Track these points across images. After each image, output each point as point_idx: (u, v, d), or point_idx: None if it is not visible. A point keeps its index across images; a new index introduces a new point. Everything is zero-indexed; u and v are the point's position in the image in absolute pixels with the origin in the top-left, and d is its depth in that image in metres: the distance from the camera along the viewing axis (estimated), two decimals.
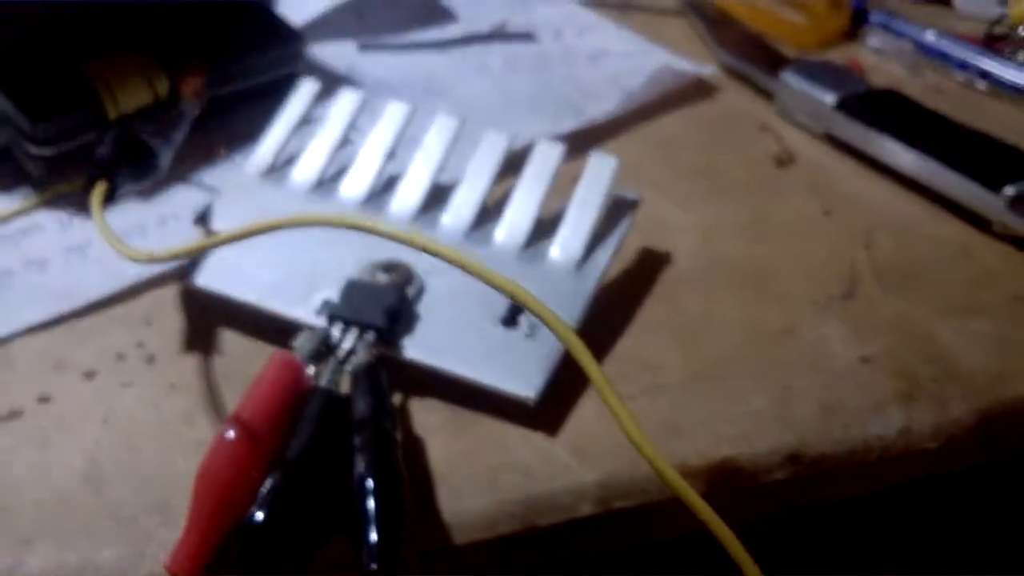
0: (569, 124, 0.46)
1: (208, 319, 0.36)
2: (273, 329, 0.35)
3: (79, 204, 0.41)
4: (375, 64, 0.52)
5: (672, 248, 0.41)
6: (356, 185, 0.39)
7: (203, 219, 0.38)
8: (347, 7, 0.54)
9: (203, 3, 0.46)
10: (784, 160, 0.47)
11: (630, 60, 0.53)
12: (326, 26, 0.53)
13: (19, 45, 0.40)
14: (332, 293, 0.35)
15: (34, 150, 0.40)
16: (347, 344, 0.32)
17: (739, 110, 0.50)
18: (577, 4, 0.59)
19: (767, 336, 0.37)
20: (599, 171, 0.38)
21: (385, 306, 0.33)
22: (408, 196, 0.38)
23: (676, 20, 0.59)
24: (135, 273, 0.37)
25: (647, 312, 0.38)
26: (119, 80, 0.42)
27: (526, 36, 0.55)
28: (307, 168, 0.40)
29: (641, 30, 0.56)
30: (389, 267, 0.35)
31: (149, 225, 0.41)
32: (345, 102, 0.41)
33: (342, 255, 0.36)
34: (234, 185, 0.40)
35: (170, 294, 0.38)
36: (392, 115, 0.41)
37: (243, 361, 0.35)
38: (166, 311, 0.37)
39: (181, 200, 0.41)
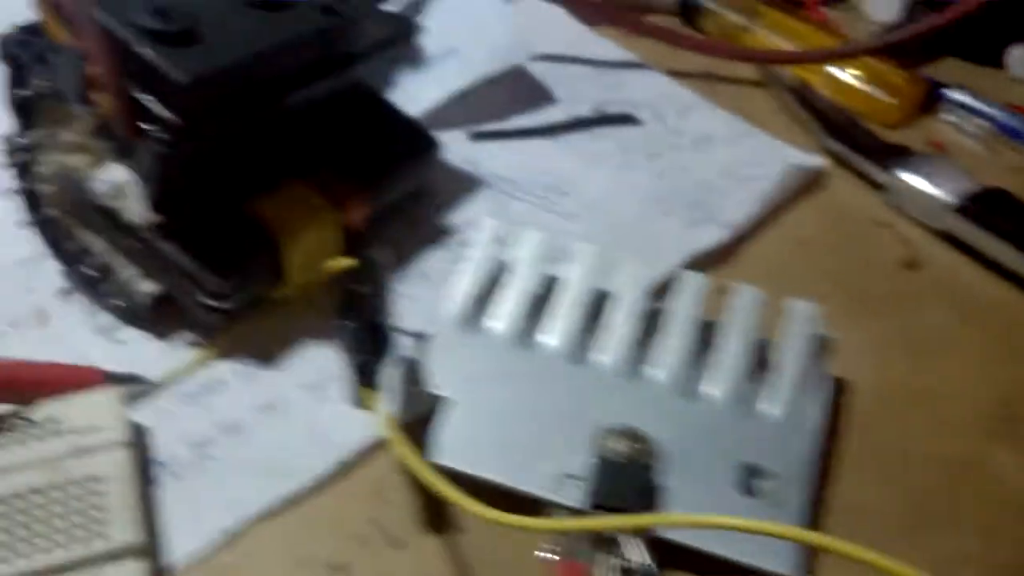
0: (715, 234, 0.46)
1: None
2: (513, 498, 0.34)
3: (253, 350, 0.39)
4: (490, 156, 0.50)
5: (839, 371, 0.41)
6: (554, 333, 0.38)
7: (413, 375, 0.37)
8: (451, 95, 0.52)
9: (349, 120, 0.44)
10: (912, 263, 0.47)
11: (738, 147, 0.53)
12: (435, 117, 0.51)
13: (187, 191, 0.37)
14: (573, 465, 0.34)
15: (214, 303, 0.38)
16: (620, 543, 0.32)
17: (852, 202, 0.51)
18: (665, 78, 0.58)
19: (952, 468, 0.38)
20: (801, 318, 0.38)
21: (640, 487, 0.33)
22: (610, 345, 0.38)
23: (761, 93, 0.58)
24: (357, 439, 0.36)
25: (844, 448, 0.38)
26: (291, 218, 0.39)
27: (629, 119, 0.54)
28: (501, 317, 0.38)
29: (728, 104, 0.56)
30: (625, 434, 0.35)
31: (332, 370, 0.39)
32: (528, 241, 0.40)
33: (575, 422, 0.35)
34: (436, 339, 0.38)
35: (389, 459, 0.36)
36: (583, 256, 0.39)
37: (489, 537, 0.34)
38: (392, 480, 0.36)
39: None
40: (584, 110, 0.54)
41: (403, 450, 0.32)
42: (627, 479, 0.33)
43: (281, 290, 0.40)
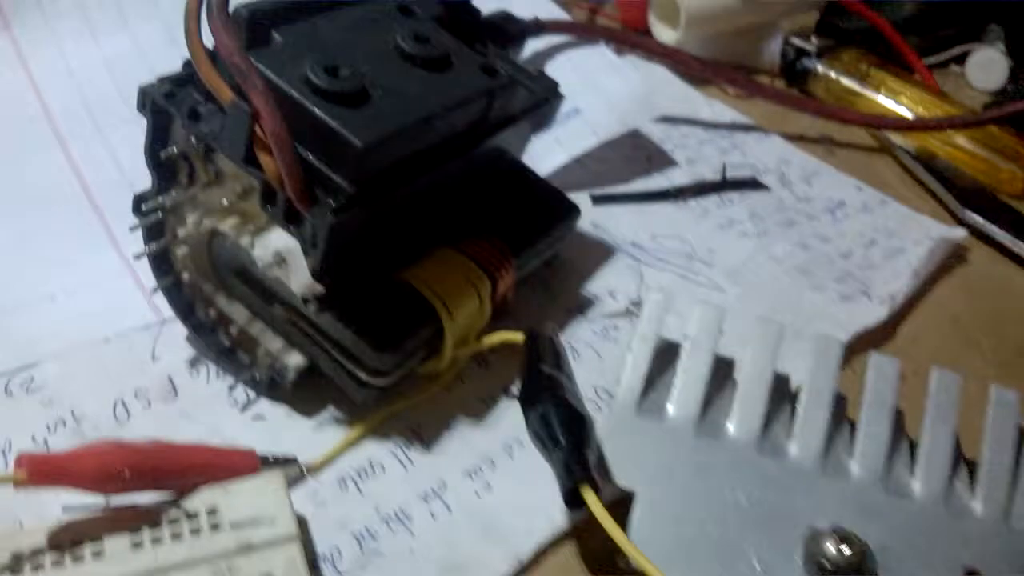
0: (874, 311, 0.44)
1: None
2: None
3: (406, 430, 0.36)
4: (615, 220, 0.48)
5: None
6: (740, 421, 0.35)
7: (600, 470, 0.33)
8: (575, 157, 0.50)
9: (494, 185, 0.41)
10: None
11: (874, 216, 0.50)
12: (558, 179, 0.48)
13: (348, 260, 0.34)
14: (779, 570, 0.31)
15: (371, 380, 0.35)
16: None
17: (993, 274, 0.49)
18: (783, 141, 0.55)
19: None
20: (1001, 406, 0.35)
21: None
22: (803, 435, 0.35)
23: (880, 158, 0.56)
24: (535, 534, 0.33)
25: None
26: (450, 288, 0.36)
27: (755, 184, 0.52)
28: (679, 402, 0.35)
29: (848, 169, 0.54)
30: (839, 536, 0.31)
31: (494, 453, 0.36)
32: (701, 317, 0.37)
33: (775, 521, 0.32)
34: (613, 425, 0.35)
35: (566, 555, 0.33)
36: (760, 334, 0.36)
37: None
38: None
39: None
40: (705, 173, 0.52)
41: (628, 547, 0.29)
42: None
43: (434, 365, 0.37)
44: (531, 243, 0.41)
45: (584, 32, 0.53)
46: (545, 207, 0.42)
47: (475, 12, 0.43)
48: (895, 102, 0.58)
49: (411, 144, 0.34)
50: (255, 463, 0.32)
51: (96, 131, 0.46)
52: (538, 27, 0.50)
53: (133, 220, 0.36)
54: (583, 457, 0.30)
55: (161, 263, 0.37)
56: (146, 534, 0.29)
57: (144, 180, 0.35)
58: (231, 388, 0.37)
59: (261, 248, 0.33)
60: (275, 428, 0.36)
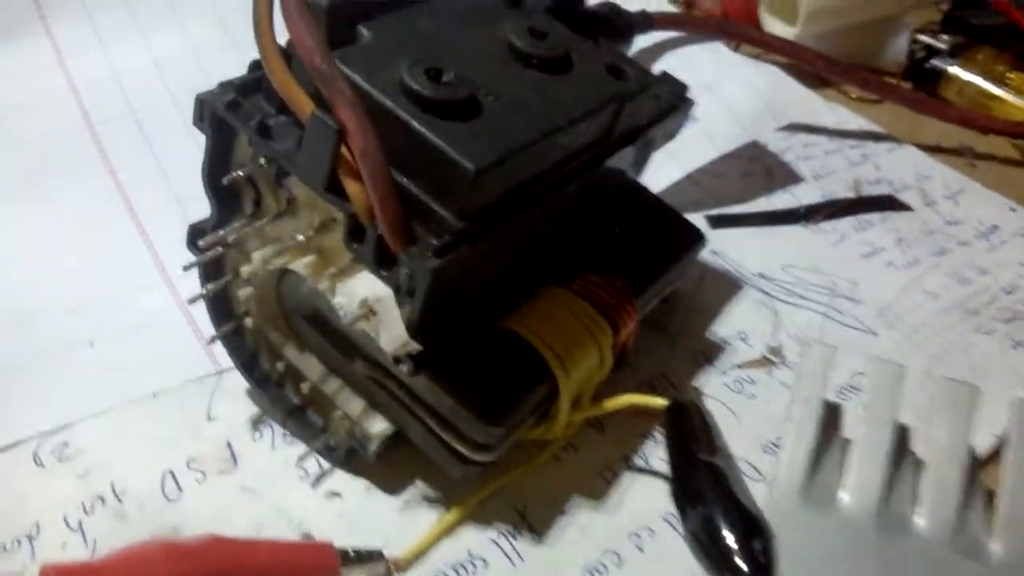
0: None
1: None
2: None
3: (512, 514, 0.29)
4: (737, 246, 0.41)
5: None
6: (936, 516, 0.28)
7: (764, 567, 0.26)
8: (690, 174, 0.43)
9: (611, 211, 0.34)
10: None
11: None
12: (667, 199, 0.41)
13: (450, 309, 0.27)
14: None
15: (473, 455, 0.28)
16: None
17: None
18: (918, 152, 0.48)
19: None
20: None
21: None
22: (1006, 528, 0.27)
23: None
24: None
25: None
26: (566, 339, 0.29)
27: (895, 203, 0.44)
28: (855, 488, 0.28)
29: (995, 184, 0.46)
30: None
31: (619, 544, 0.29)
32: (880, 379, 0.30)
33: None
34: (775, 518, 0.28)
35: None
36: (951, 398, 0.29)
37: None
38: None
39: None
40: (836, 189, 0.44)
41: None
42: None
43: (545, 431, 0.30)
44: (652, 279, 0.34)
45: (698, 27, 0.46)
46: (666, 235, 0.35)
47: (581, 1, 0.36)
48: None
49: (530, 165, 0.27)
50: (334, 560, 0.26)
51: (144, 143, 0.40)
52: (647, 21, 0.43)
53: (186, 252, 0.29)
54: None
55: (220, 305, 0.31)
56: None
57: (199, 202, 0.29)
58: (301, 459, 0.30)
59: (344, 295, 0.26)
60: (353, 508, 0.29)
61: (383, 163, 0.24)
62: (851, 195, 0.44)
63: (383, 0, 0.29)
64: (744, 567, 0.23)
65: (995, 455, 0.31)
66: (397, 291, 0.25)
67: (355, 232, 0.25)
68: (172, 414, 0.31)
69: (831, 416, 0.29)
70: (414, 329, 0.26)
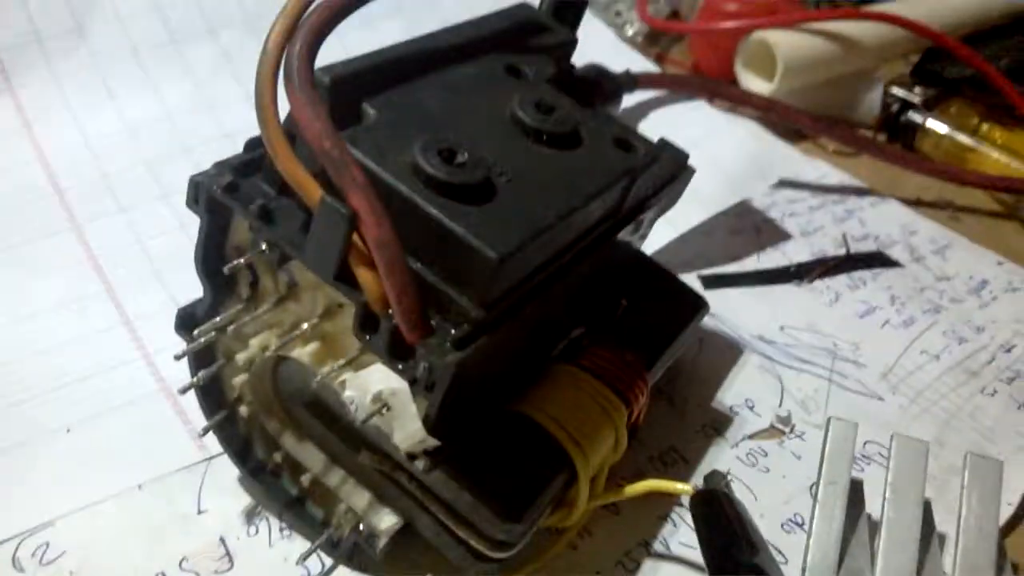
0: None
1: None
2: None
3: None
4: (737, 309, 0.40)
5: None
6: None
7: None
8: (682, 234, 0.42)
9: (618, 283, 0.33)
10: None
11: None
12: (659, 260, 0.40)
13: (466, 401, 0.26)
14: None
15: (491, 553, 0.26)
16: None
17: None
18: (901, 206, 0.48)
19: None
20: None
21: None
22: None
23: (1007, 223, 0.49)
24: None
25: None
26: (582, 421, 0.28)
27: (884, 259, 0.44)
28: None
29: (978, 238, 0.46)
30: None
31: None
32: (903, 456, 0.29)
33: None
34: None
35: None
36: (980, 475, 0.28)
37: None
38: None
39: None
40: (825, 246, 0.44)
41: None
42: None
43: (562, 518, 0.28)
44: (661, 351, 0.32)
45: (682, 86, 0.45)
46: (671, 304, 0.34)
47: (571, 68, 0.35)
48: (1012, 158, 0.50)
49: (549, 247, 0.25)
50: None
51: (118, 212, 0.37)
52: (632, 82, 0.42)
53: (166, 325, 0.27)
54: None
55: (211, 393, 0.29)
56: None
57: (177, 272, 0.27)
58: (303, 557, 0.28)
59: (355, 390, 0.25)
60: None
61: (400, 254, 0.22)
62: (840, 252, 0.43)
63: (383, 71, 0.27)
64: None
65: (1014, 523, 0.30)
66: (412, 383, 0.24)
67: (367, 323, 0.24)
68: (159, 507, 0.29)
69: (854, 493, 0.28)
70: (431, 424, 0.24)
